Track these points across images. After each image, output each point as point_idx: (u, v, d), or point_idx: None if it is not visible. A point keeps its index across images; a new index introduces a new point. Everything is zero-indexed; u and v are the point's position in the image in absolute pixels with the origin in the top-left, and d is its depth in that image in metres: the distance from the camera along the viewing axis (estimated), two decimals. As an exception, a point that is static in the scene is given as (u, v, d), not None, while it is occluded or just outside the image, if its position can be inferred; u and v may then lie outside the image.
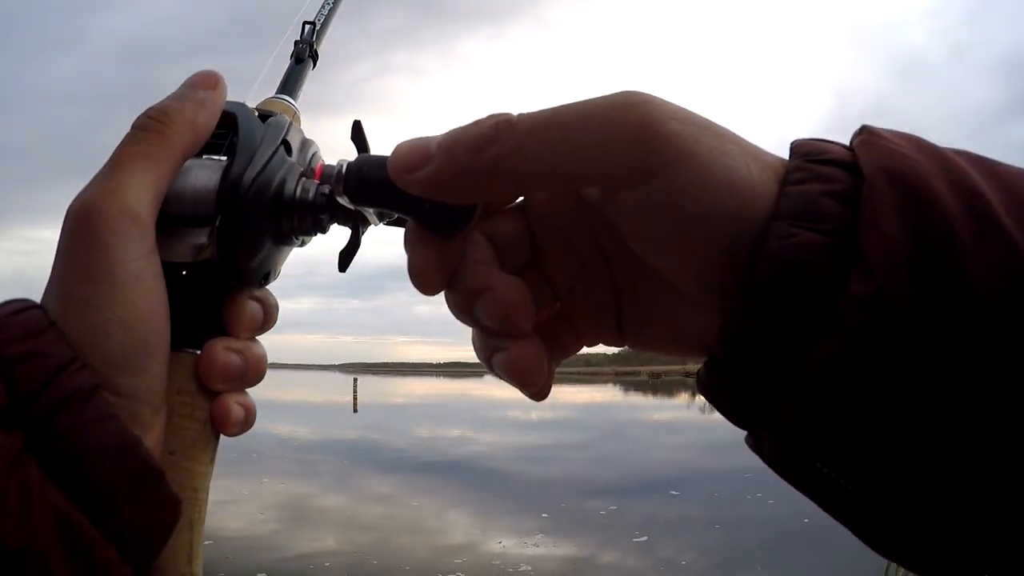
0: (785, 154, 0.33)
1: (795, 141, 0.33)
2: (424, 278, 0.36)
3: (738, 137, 0.32)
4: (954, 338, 0.26)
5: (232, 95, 0.44)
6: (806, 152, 0.32)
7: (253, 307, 0.43)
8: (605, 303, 0.39)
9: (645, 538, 6.61)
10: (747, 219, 0.30)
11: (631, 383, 61.97)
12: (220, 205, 0.40)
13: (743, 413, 0.32)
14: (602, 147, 0.31)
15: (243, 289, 0.43)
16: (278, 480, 9.35)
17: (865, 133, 0.32)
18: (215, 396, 0.42)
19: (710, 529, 7.04)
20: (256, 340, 0.44)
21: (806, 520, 7.10)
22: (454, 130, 0.33)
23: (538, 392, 0.37)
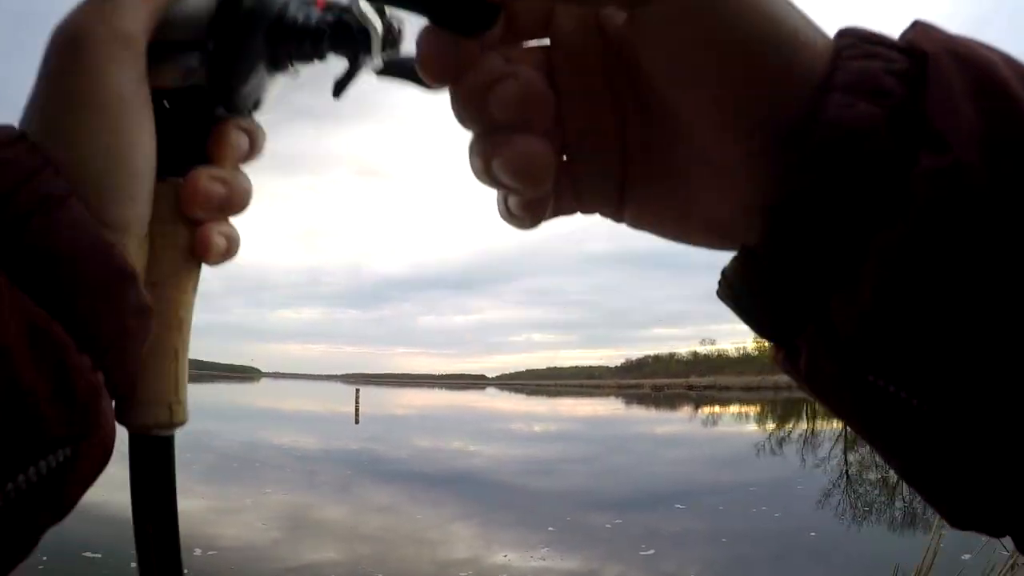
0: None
1: (843, 28, 0.30)
2: (433, 63, 0.32)
3: None
4: None
5: None
6: (860, 33, 0.29)
7: (240, 136, 0.41)
8: (611, 165, 0.35)
9: (652, 551, 6.58)
10: (792, 69, 0.28)
11: (634, 396, 61.88)
12: (214, 28, 0.38)
13: (780, 316, 0.29)
14: None
15: (231, 118, 0.41)
16: (280, 490, 9.31)
17: (919, 25, 0.30)
18: (197, 225, 0.40)
19: (716, 543, 6.99)
20: (241, 170, 0.42)
21: (813, 533, 7.09)
22: None
23: (537, 207, 0.34)
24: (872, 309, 0.26)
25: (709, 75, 0.29)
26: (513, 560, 6.27)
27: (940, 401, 0.26)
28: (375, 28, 0.41)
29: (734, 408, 37.05)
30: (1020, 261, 0.24)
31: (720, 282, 0.32)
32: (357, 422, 22.55)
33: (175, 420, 0.41)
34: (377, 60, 0.42)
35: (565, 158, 0.36)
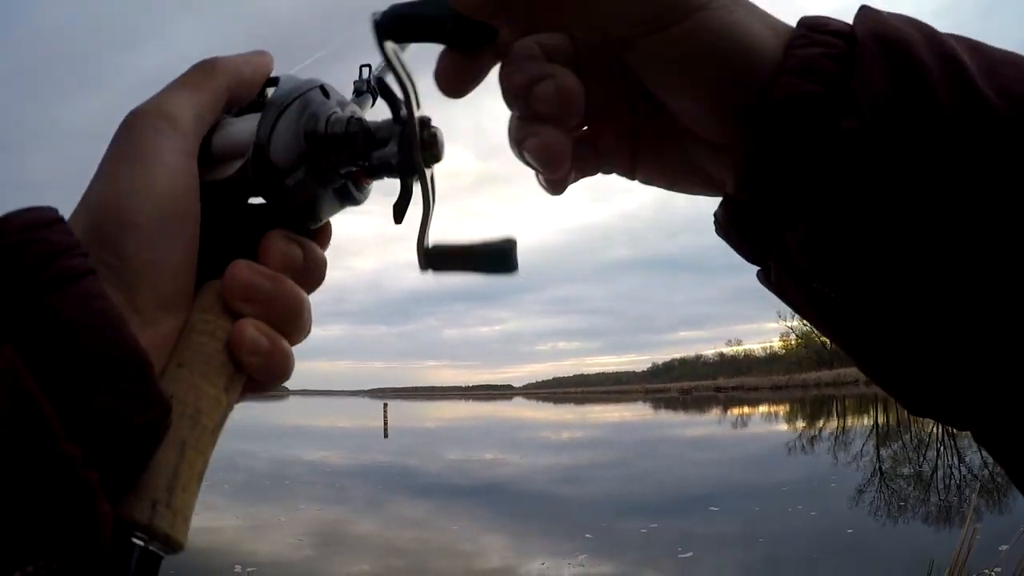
0: None
1: (803, 17, 0.37)
2: (448, 78, 0.39)
3: (749, 2, 0.37)
4: (925, 159, 0.31)
5: None
6: (810, 24, 0.36)
7: (290, 245, 0.42)
8: (625, 131, 0.43)
9: (690, 554, 6.54)
10: (752, 65, 0.36)
11: (662, 400, 61.38)
12: (258, 133, 0.41)
13: (754, 245, 0.38)
14: None
15: (282, 230, 0.42)
16: (313, 506, 9.37)
17: (863, 9, 0.37)
18: (237, 319, 0.39)
19: (753, 544, 6.93)
20: (286, 278, 0.41)
21: (849, 531, 6.99)
22: None
23: (558, 183, 0.42)
24: (806, 238, 0.34)
25: (690, 84, 0.37)
26: (551, 568, 6.25)
27: (859, 297, 0.34)
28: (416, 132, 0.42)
29: (763, 408, 36.64)
30: (913, 200, 0.32)
31: (714, 222, 0.40)
32: (386, 436, 22.61)
33: (155, 525, 0.32)
34: (414, 113, 0.42)
35: (587, 128, 0.43)
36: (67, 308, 0.30)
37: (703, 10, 0.35)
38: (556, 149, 0.38)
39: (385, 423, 24.22)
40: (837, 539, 6.77)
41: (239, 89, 0.43)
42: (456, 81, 0.39)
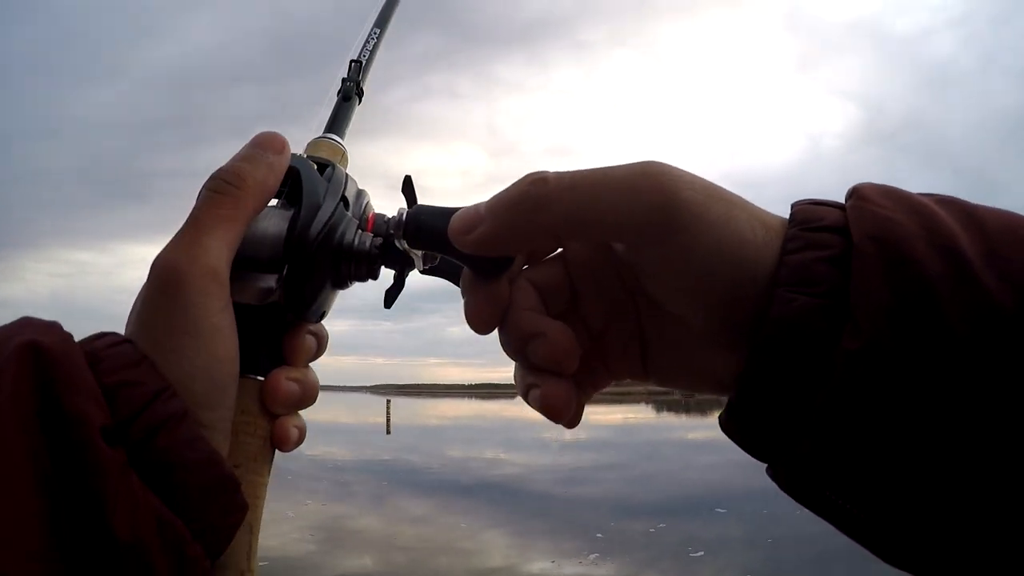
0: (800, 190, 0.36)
1: (794, 205, 0.38)
2: (477, 320, 0.42)
3: (745, 203, 0.37)
4: (933, 373, 0.31)
5: (283, 131, 0.48)
6: (803, 220, 0.36)
7: (310, 340, 0.49)
8: (632, 341, 0.44)
9: (701, 553, 6.53)
10: (750, 276, 0.35)
11: (664, 402, 61.41)
12: (288, 255, 0.45)
13: (759, 450, 0.37)
14: (626, 207, 0.36)
15: (302, 325, 0.49)
16: (318, 501, 9.37)
17: (856, 198, 0.36)
18: (275, 418, 0.47)
19: (761, 545, 6.91)
20: (310, 368, 0.50)
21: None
22: (498, 193, 0.39)
23: (567, 423, 0.42)
24: (815, 449, 0.34)
25: (693, 294, 0.37)
26: (563, 566, 6.25)
27: (875, 512, 0.34)
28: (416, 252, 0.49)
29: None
30: (923, 407, 0.31)
31: (719, 421, 0.39)
32: (389, 432, 22.65)
33: None
34: (421, 267, 0.51)
35: (596, 341, 0.44)
36: (181, 449, 0.38)
37: (701, 222, 0.36)
38: (558, 399, 0.40)
39: (388, 420, 24.23)
40: (846, 539, 6.74)
41: (264, 205, 0.45)
42: (480, 323, 0.42)
